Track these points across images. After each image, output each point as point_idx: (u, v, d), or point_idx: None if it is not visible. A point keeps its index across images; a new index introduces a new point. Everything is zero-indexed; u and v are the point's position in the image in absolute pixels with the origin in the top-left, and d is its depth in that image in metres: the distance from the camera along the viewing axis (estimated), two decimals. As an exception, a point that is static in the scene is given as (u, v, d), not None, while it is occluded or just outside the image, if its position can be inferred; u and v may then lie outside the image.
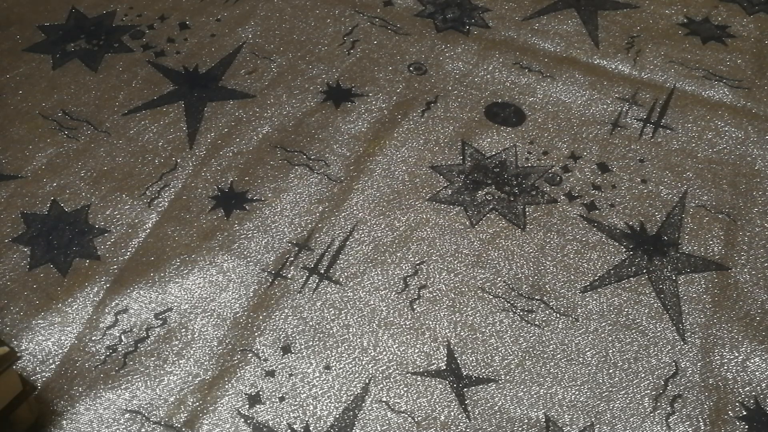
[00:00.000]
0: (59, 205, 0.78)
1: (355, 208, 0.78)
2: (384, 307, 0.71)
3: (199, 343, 0.69)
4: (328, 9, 0.97)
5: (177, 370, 0.67)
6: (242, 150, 0.83)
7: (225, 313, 0.70)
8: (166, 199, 0.78)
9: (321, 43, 0.93)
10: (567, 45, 0.93)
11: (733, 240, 0.76)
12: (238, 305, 0.71)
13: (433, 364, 0.68)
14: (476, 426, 0.64)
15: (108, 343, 0.68)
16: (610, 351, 0.68)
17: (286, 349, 0.68)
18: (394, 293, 0.72)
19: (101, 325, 0.69)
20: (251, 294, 0.72)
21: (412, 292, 0.72)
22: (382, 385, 0.66)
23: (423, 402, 0.65)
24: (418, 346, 0.69)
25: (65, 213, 0.77)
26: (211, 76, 0.90)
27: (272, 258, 0.74)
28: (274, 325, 0.70)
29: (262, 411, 0.65)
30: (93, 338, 0.69)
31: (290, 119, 0.85)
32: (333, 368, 0.67)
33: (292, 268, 0.73)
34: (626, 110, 0.86)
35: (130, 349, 0.68)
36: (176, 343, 0.68)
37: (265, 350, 0.68)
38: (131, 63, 0.91)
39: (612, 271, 0.73)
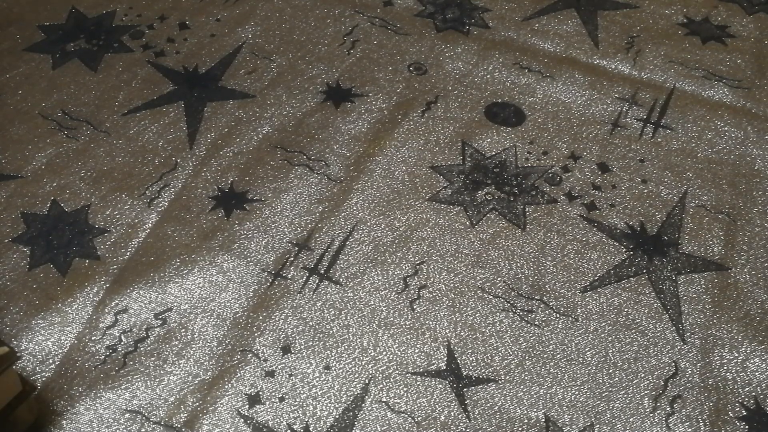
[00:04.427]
0: (59, 205, 0.78)
1: (355, 208, 0.78)
2: (384, 307, 0.71)
3: (198, 343, 0.69)
4: (328, 9, 0.97)
5: (177, 370, 0.67)
6: (242, 150, 0.83)
7: (225, 314, 0.70)
8: (166, 199, 0.78)
9: (321, 43, 0.93)
10: (567, 45, 0.93)
11: (733, 240, 0.76)
12: (237, 305, 0.71)
13: (433, 364, 0.68)
14: (476, 426, 0.64)
15: (108, 343, 0.68)
16: (610, 351, 0.68)
17: (286, 350, 0.68)
18: (394, 293, 0.72)
19: (101, 325, 0.69)
20: (251, 294, 0.72)
21: (412, 292, 0.72)
22: (382, 386, 0.66)
23: (423, 402, 0.65)
24: (418, 346, 0.69)
25: (65, 213, 0.77)
26: (211, 76, 0.90)
27: (272, 258, 0.74)
28: (274, 326, 0.70)
29: (262, 411, 0.65)
30: (93, 338, 0.69)
31: (290, 119, 0.85)
32: (333, 368, 0.67)
33: (292, 268, 0.73)
34: (626, 110, 0.86)
35: (130, 349, 0.68)
36: (176, 343, 0.68)
37: (264, 350, 0.68)
38: (131, 63, 0.91)
39: (612, 271, 0.73)
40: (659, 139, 0.84)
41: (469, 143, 0.83)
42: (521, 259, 0.74)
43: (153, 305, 0.71)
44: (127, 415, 0.64)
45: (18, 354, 0.59)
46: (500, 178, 0.80)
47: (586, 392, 0.66)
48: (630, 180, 0.80)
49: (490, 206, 0.78)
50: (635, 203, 0.78)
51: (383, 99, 0.87)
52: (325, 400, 0.65)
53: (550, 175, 0.81)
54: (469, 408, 0.65)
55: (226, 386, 0.66)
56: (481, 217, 0.77)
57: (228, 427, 0.64)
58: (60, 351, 0.68)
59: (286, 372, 0.67)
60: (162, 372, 0.67)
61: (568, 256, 0.75)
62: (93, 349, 0.68)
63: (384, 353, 0.68)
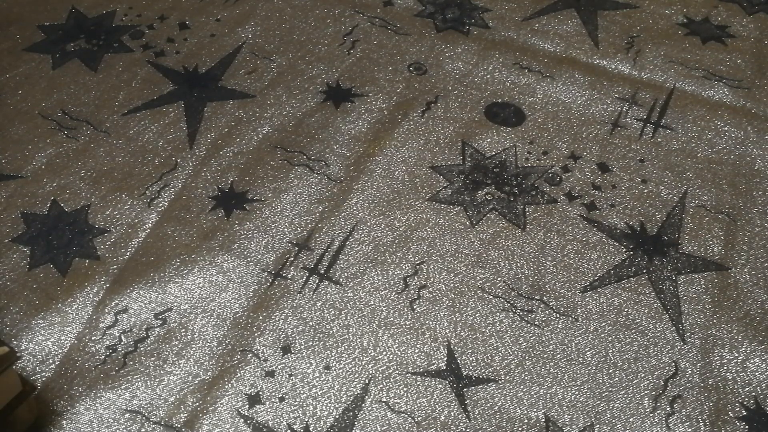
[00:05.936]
0: (59, 205, 0.78)
1: (355, 208, 0.78)
2: (384, 307, 0.71)
3: (199, 343, 0.69)
4: (328, 9, 0.97)
5: (177, 370, 0.67)
6: (242, 150, 0.83)
7: (225, 314, 0.70)
8: (166, 199, 0.78)
9: (321, 43, 0.93)
10: (567, 45, 0.93)
11: (732, 240, 0.76)
12: (238, 305, 0.71)
13: (433, 364, 0.68)
14: (476, 426, 0.64)
15: (108, 343, 0.68)
16: (610, 351, 0.68)
17: (286, 350, 0.68)
18: (394, 293, 0.72)
19: (101, 325, 0.69)
20: (251, 294, 0.72)
21: (412, 292, 0.72)
22: (382, 386, 0.66)
23: (423, 402, 0.65)
24: (418, 346, 0.69)
25: (65, 213, 0.77)
26: (211, 76, 0.90)
27: (272, 258, 0.74)
28: (274, 326, 0.70)
29: (262, 411, 0.65)
30: (93, 338, 0.69)
31: (290, 119, 0.85)
32: (333, 368, 0.67)
33: (292, 268, 0.73)
34: (626, 110, 0.86)
35: (130, 349, 0.68)
36: (176, 343, 0.68)
37: (265, 350, 0.68)
38: (131, 63, 0.91)
39: (612, 271, 0.73)
40: (659, 139, 0.84)
41: (469, 143, 0.83)
42: (521, 259, 0.74)
43: (153, 305, 0.71)
44: (127, 415, 0.64)
45: (18, 354, 0.59)
46: (500, 178, 0.80)
47: (586, 392, 0.66)
48: (630, 180, 0.80)
49: (490, 206, 0.78)
50: (635, 203, 0.78)
51: (383, 99, 0.87)
52: (325, 400, 0.65)
53: (550, 175, 0.81)
54: (469, 408, 0.65)
55: (226, 386, 0.66)
56: (481, 217, 0.77)
57: (228, 427, 0.64)
58: (60, 351, 0.68)
59: (286, 372, 0.67)
60: (162, 372, 0.67)
61: (568, 256, 0.75)
62: (93, 349, 0.68)
63: (384, 353, 0.68)
